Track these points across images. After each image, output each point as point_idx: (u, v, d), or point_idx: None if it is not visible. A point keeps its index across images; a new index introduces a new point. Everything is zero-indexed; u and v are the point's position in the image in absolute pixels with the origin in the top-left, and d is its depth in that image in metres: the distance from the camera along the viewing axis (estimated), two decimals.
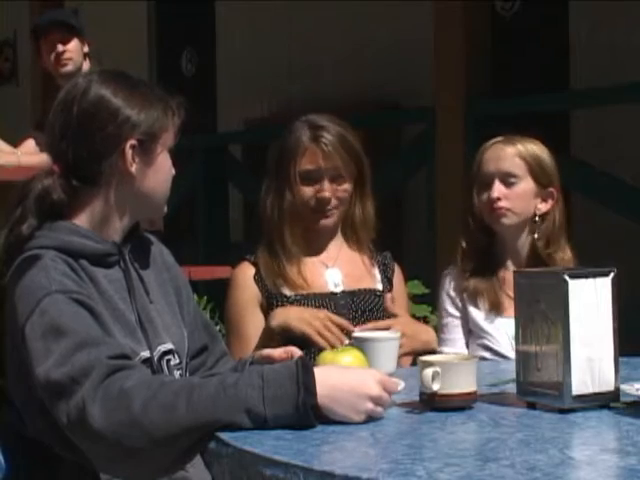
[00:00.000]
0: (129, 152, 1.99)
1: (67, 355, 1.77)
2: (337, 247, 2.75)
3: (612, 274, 1.82)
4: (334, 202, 2.67)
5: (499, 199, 2.72)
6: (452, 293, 2.81)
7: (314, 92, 6.90)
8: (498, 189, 2.72)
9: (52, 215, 1.99)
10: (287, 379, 1.70)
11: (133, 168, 2.00)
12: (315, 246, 2.72)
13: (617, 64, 5.44)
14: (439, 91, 5.45)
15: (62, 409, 1.76)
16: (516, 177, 2.73)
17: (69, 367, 1.76)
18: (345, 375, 1.74)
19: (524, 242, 2.78)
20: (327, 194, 2.65)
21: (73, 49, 4.30)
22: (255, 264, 2.69)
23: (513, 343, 2.62)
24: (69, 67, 4.30)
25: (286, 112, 6.93)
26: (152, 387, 1.72)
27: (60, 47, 4.30)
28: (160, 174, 2.05)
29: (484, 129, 4.85)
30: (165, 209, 2.13)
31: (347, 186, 2.69)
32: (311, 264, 2.70)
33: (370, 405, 1.71)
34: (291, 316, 2.55)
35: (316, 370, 1.72)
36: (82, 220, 2.00)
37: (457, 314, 2.80)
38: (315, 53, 7.13)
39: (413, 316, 3.07)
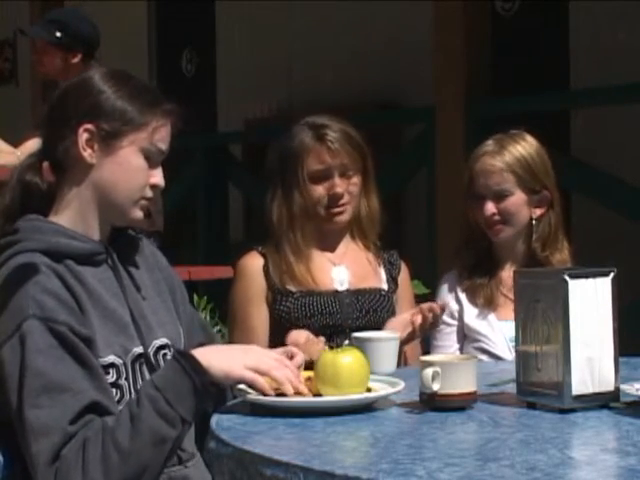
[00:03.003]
0: (83, 135, 1.96)
1: (33, 396, 1.80)
2: (345, 245, 2.75)
3: (612, 274, 1.82)
4: (347, 197, 2.67)
5: (493, 215, 2.74)
6: (446, 298, 2.81)
7: (314, 92, 6.90)
8: (490, 208, 2.74)
9: (29, 197, 2.01)
10: (176, 375, 1.82)
11: (87, 154, 1.97)
12: (325, 244, 2.72)
13: (617, 64, 5.44)
14: (439, 91, 5.45)
15: (22, 444, 1.83)
16: (506, 192, 2.74)
17: (33, 414, 1.79)
18: (227, 346, 2.01)
19: (521, 245, 2.80)
20: (339, 189, 2.65)
21: (48, 61, 4.32)
22: (264, 255, 2.68)
23: (510, 345, 2.63)
24: (42, 73, 4.35)
25: (286, 112, 6.93)
26: (80, 453, 1.77)
27: (33, 55, 4.38)
28: (122, 169, 1.99)
29: (484, 129, 4.83)
30: (139, 215, 2.04)
31: (356, 180, 2.69)
32: (319, 261, 2.69)
33: (250, 360, 1.88)
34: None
35: (195, 352, 1.87)
36: (58, 211, 2.01)
37: (450, 321, 2.79)
38: (315, 53, 7.13)
39: None
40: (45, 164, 2.02)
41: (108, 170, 1.99)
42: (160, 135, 2.02)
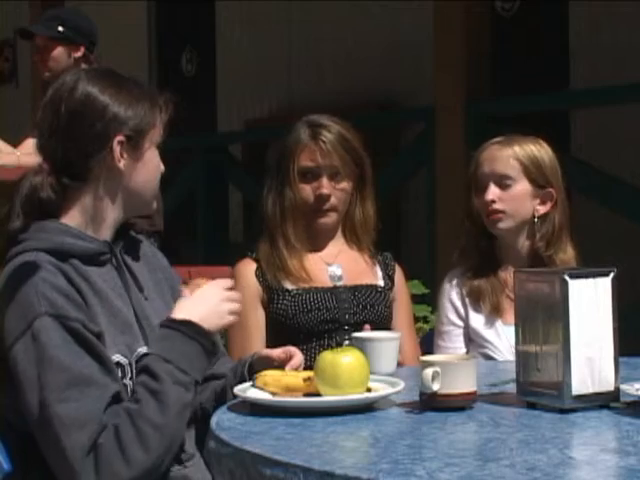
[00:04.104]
0: (117, 148, 2.00)
1: (60, 391, 1.82)
2: (337, 246, 2.75)
3: (612, 274, 1.82)
4: (333, 200, 2.68)
5: (494, 201, 2.70)
6: (455, 299, 2.76)
7: (314, 92, 6.90)
8: (492, 192, 2.69)
9: (41, 214, 2.00)
10: (184, 344, 1.92)
11: (121, 164, 2.01)
12: (316, 244, 2.73)
13: (617, 64, 5.44)
14: (439, 91, 5.45)
15: (43, 439, 1.84)
16: (510, 179, 2.69)
17: (63, 409, 1.81)
18: (200, 300, 2.02)
19: (523, 244, 2.75)
20: (325, 190, 2.66)
21: (52, 57, 4.32)
22: (256, 260, 2.70)
23: (514, 351, 2.61)
24: (47, 74, 4.34)
25: (286, 112, 6.93)
26: (114, 440, 1.82)
27: (36, 56, 4.38)
28: (148, 169, 2.07)
29: (484, 129, 4.85)
30: (155, 205, 2.15)
31: (345, 185, 2.69)
32: (312, 260, 2.71)
33: (228, 306, 2.03)
34: None
35: (186, 316, 1.95)
36: (73, 217, 2.01)
37: (459, 322, 2.75)
38: (315, 53, 7.13)
39: (413, 315, 3.06)
40: (51, 178, 2.02)
41: (139, 174, 2.05)
42: (165, 125, 2.09)
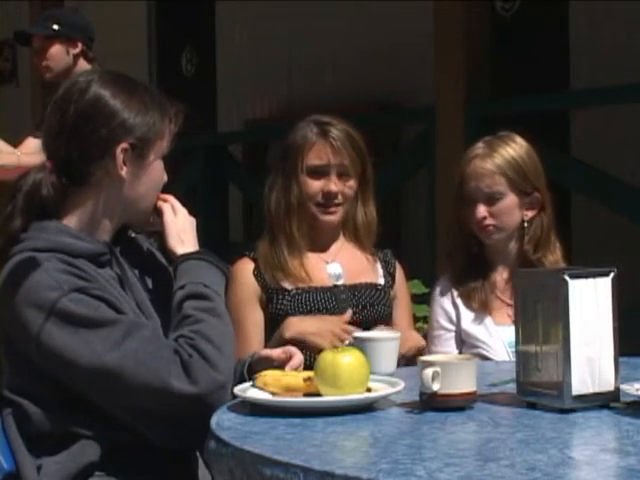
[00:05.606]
0: (120, 156, 1.99)
1: (121, 339, 1.88)
2: (338, 245, 2.75)
3: (612, 274, 1.82)
4: (340, 198, 2.68)
5: (485, 218, 2.72)
6: (444, 303, 2.78)
7: (314, 92, 6.90)
8: (482, 210, 2.72)
9: (41, 213, 2.00)
10: (210, 270, 2.07)
11: (123, 172, 2.00)
12: (317, 243, 2.73)
13: (617, 64, 5.44)
14: (439, 91, 5.44)
15: (129, 384, 1.87)
16: (499, 194, 2.72)
17: (129, 348, 1.87)
18: (187, 227, 2.13)
19: (513, 247, 2.78)
20: (334, 188, 2.66)
21: (50, 56, 4.32)
22: (254, 260, 2.70)
23: (509, 350, 2.62)
24: (48, 75, 4.35)
25: (286, 112, 6.93)
26: (202, 356, 1.89)
27: (35, 59, 4.40)
28: (151, 181, 2.06)
29: (484, 129, 4.83)
30: (151, 219, 2.15)
31: (352, 183, 2.70)
32: (312, 259, 2.71)
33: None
34: (307, 329, 2.54)
35: (191, 245, 2.10)
36: (71, 221, 2.01)
37: (449, 326, 2.77)
38: (315, 53, 7.13)
39: (413, 315, 3.06)
40: (52, 177, 2.02)
41: (141, 184, 2.05)
42: (173, 137, 2.09)
